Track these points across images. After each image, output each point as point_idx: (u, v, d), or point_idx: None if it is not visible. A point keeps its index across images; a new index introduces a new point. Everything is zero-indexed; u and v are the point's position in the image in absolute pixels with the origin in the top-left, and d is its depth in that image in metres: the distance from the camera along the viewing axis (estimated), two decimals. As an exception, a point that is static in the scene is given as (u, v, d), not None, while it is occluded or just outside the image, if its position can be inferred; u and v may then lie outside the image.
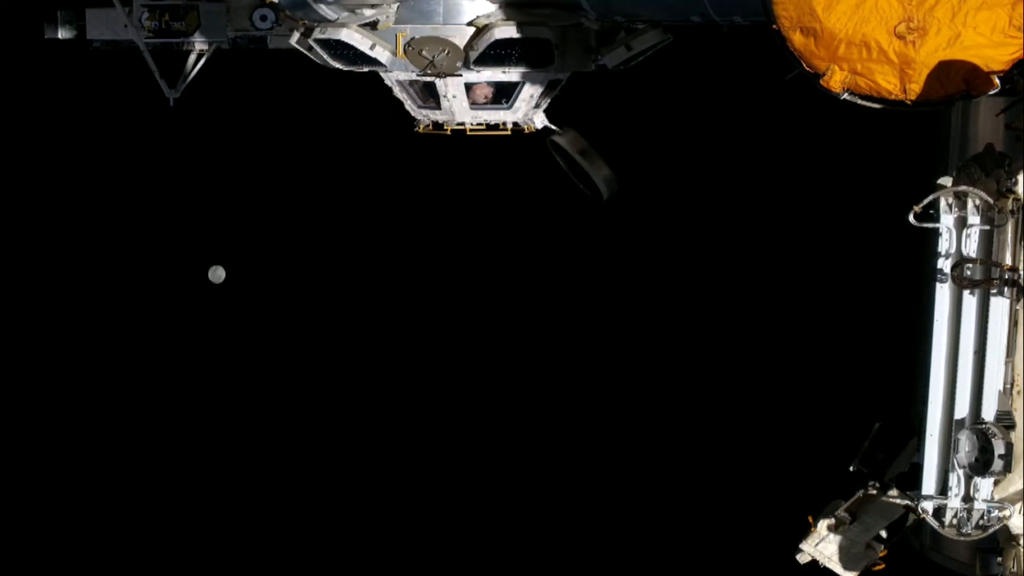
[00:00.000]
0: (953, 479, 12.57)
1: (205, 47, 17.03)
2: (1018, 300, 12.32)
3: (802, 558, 14.28)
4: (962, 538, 12.77)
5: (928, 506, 12.70)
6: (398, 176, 24.72)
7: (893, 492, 13.55)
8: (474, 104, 15.62)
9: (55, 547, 25.70)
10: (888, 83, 11.67)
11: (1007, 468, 12.26)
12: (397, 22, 15.02)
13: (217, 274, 16.64)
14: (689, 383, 24.63)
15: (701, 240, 24.47)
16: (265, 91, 23.07)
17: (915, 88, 11.58)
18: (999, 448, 12.16)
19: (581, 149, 16.69)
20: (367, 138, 23.72)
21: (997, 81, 11.41)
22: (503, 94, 15.68)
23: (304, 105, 23.67)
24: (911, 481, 13.18)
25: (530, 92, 15.67)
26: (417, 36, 14.93)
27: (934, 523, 12.74)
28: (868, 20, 11.45)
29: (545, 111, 16.31)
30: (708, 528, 24.10)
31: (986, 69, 11.35)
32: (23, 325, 26.59)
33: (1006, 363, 12.48)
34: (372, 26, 15.01)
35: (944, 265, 12.39)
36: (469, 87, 15.42)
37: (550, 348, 25.20)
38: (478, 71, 15.12)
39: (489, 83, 15.41)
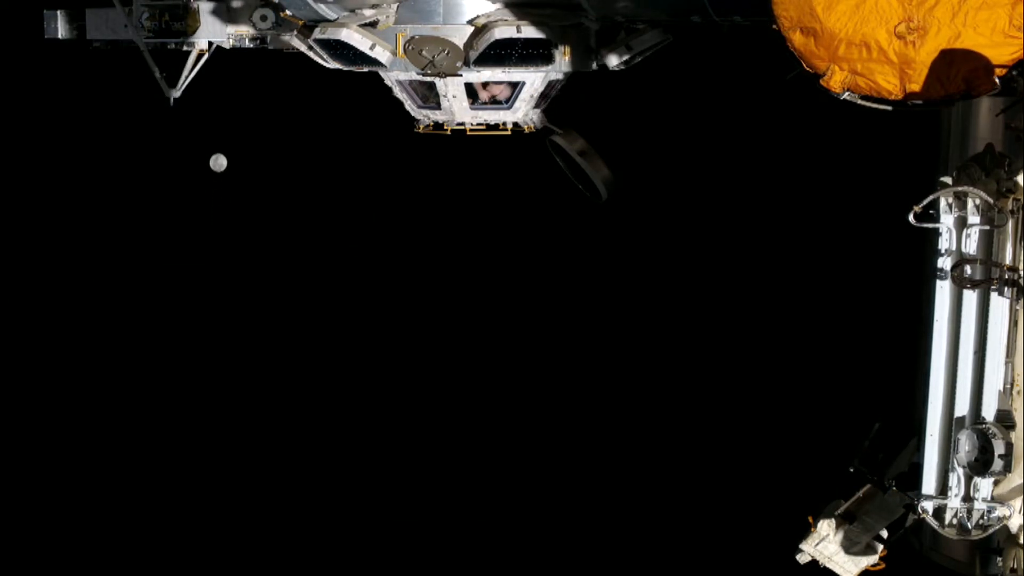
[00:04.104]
0: (953, 479, 12.57)
1: (205, 47, 17.01)
2: (1018, 300, 12.32)
3: (802, 558, 14.27)
4: (962, 538, 12.77)
5: (928, 506, 12.70)
6: (398, 176, 24.72)
7: (893, 492, 13.55)
8: (477, 103, 15.62)
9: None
10: (888, 83, 11.66)
11: (1007, 468, 12.26)
12: (397, 22, 15.02)
13: (219, 163, 16.53)
14: (689, 383, 24.62)
15: (701, 240, 24.47)
16: (265, 91, 23.07)
17: (915, 88, 11.58)
18: (999, 448, 12.16)
19: (581, 149, 16.69)
20: (367, 138, 23.72)
21: (997, 81, 11.41)
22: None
23: (304, 105, 23.67)
24: (911, 481, 13.17)
25: (530, 92, 15.68)
26: (417, 36, 14.93)
27: (934, 523, 12.73)
28: (868, 20, 11.45)
29: (545, 111, 16.32)
30: (708, 528, 24.09)
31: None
32: (21, 323, 26.62)
33: (1006, 363, 12.47)
34: (372, 26, 15.01)
35: (944, 265, 12.39)
36: (486, 84, 15.44)
37: (550, 348, 25.20)
38: (478, 71, 15.13)
39: (500, 82, 15.45)
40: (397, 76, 15.50)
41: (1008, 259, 12.23)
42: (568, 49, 15.21)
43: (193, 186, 25.33)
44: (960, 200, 12.28)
